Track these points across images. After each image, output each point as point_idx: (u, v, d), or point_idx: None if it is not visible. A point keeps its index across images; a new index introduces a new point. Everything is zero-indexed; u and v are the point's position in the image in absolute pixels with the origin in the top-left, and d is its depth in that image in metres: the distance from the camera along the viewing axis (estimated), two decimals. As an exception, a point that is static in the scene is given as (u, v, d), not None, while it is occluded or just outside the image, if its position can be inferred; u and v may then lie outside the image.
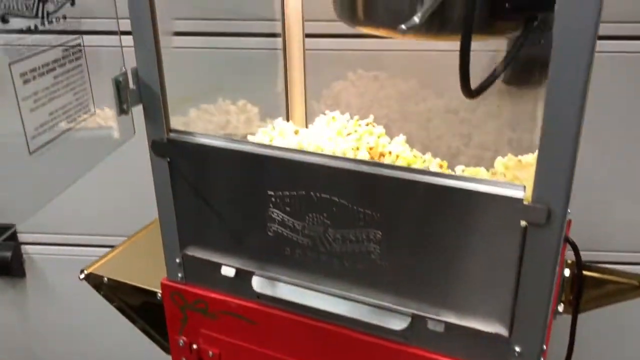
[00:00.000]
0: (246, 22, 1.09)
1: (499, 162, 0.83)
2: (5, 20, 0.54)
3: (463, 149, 1.01)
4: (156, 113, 0.67)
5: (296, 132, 0.89)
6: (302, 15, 0.96)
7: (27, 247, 1.50)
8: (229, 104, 1.01)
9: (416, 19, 0.56)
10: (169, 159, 0.69)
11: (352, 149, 0.88)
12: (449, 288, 0.60)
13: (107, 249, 0.99)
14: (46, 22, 0.58)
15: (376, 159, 0.90)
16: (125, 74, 0.65)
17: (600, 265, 0.90)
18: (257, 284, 0.70)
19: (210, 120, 0.98)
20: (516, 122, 0.98)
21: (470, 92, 0.59)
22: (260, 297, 0.71)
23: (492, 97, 1.02)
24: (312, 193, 0.62)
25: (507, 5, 0.56)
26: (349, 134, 0.91)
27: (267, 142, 0.89)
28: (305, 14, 0.97)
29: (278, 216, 0.65)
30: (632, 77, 1.14)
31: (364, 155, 0.87)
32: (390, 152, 0.89)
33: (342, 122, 0.94)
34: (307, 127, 1.00)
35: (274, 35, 1.00)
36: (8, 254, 1.46)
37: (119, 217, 1.36)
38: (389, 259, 0.62)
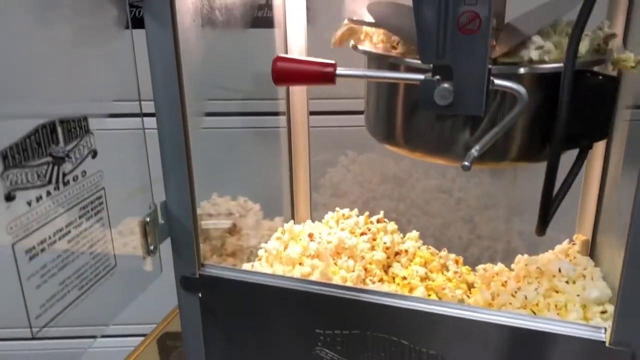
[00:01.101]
0: (244, 102, 1.04)
1: (520, 263, 0.82)
2: (11, 198, 0.46)
3: (473, 239, 1.00)
4: (187, 248, 0.61)
5: (311, 237, 0.86)
6: (306, 92, 0.93)
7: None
8: (228, 200, 0.96)
9: (475, 153, 0.54)
10: (200, 295, 0.63)
11: (367, 249, 0.85)
12: None
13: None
14: (61, 186, 0.51)
15: (392, 258, 0.87)
16: (154, 211, 0.59)
17: None
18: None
19: (207, 224, 0.92)
20: (520, 205, 0.98)
21: (543, 230, 0.58)
22: None
23: (486, 175, 1.02)
24: (367, 332, 0.59)
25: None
26: (362, 234, 0.88)
27: (281, 249, 0.85)
28: (309, 91, 0.93)
29: (327, 355, 0.61)
30: None
31: (381, 257, 0.84)
32: (406, 251, 0.87)
33: (354, 219, 0.91)
34: (312, 219, 0.97)
35: (276, 114, 0.97)
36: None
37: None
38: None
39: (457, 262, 0.88)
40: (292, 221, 0.89)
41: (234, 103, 0.98)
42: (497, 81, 0.52)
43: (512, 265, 0.85)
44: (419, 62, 0.53)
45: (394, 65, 0.59)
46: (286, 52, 0.90)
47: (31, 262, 0.49)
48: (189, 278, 0.63)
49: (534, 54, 0.54)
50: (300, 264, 0.82)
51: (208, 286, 0.63)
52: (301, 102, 0.91)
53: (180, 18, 0.54)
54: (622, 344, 0.50)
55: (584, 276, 0.73)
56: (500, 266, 0.85)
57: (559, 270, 0.73)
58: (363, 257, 0.83)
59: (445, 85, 0.53)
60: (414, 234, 0.90)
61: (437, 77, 0.53)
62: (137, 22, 0.55)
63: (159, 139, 0.58)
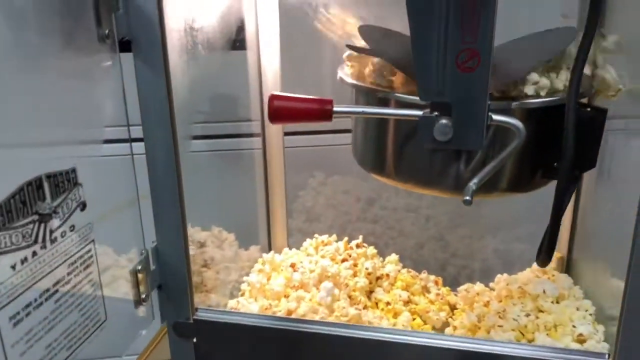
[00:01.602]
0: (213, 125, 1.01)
1: (501, 283, 0.83)
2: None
3: (449, 259, 1.01)
4: (181, 292, 0.59)
5: (293, 267, 0.84)
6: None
7: None
8: (199, 230, 0.94)
9: (473, 186, 0.55)
10: (195, 340, 0.61)
11: (350, 276, 0.85)
12: None
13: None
14: (48, 244, 0.48)
15: (374, 283, 0.87)
16: (146, 257, 0.57)
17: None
18: None
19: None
20: (495, 225, 1.00)
21: (549, 261, 0.59)
22: None
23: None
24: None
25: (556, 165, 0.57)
26: (344, 260, 0.87)
27: (264, 282, 0.83)
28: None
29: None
30: None
31: (364, 283, 0.84)
32: (387, 275, 0.87)
33: (334, 245, 0.90)
34: (289, 246, 0.95)
35: (250, 135, 0.94)
36: None
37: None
38: None
39: (436, 283, 0.89)
40: (272, 251, 0.88)
41: (203, 126, 0.95)
42: (495, 117, 0.53)
43: (492, 284, 0.87)
44: (415, 97, 0.54)
45: (388, 100, 0.59)
46: (259, 74, 0.88)
47: (15, 328, 0.45)
48: (182, 324, 0.60)
49: (529, 90, 0.55)
50: (285, 296, 0.80)
51: (203, 331, 0.60)
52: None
53: (171, 59, 0.52)
54: (625, 369, 0.52)
55: (566, 295, 0.75)
56: (480, 286, 0.87)
57: (544, 292, 0.74)
58: (347, 285, 0.83)
59: (445, 121, 0.53)
60: (394, 257, 0.90)
61: (436, 113, 0.53)
62: (123, 46, 0.52)
63: (150, 184, 0.55)
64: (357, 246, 0.91)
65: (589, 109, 0.56)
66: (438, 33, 0.50)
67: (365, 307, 0.83)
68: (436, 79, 0.52)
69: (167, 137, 0.53)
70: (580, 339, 0.66)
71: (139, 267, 0.56)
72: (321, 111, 0.54)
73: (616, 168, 0.69)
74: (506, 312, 0.76)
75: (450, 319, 0.83)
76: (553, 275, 0.82)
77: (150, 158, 0.54)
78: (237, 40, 0.87)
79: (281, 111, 0.54)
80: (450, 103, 0.52)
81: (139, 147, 0.56)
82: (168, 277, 0.59)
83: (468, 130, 0.53)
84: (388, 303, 0.83)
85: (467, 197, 0.54)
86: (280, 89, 0.86)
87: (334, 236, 0.93)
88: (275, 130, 0.89)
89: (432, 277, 0.89)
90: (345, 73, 0.66)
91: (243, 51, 0.87)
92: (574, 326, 0.67)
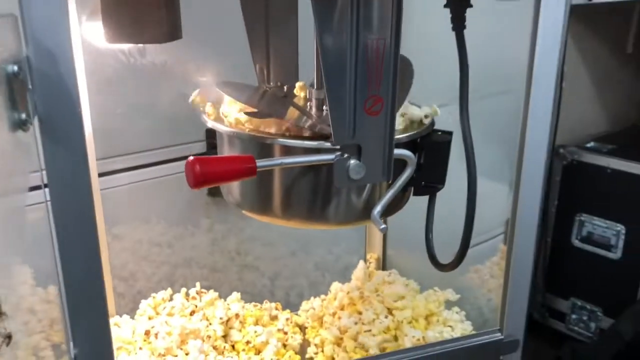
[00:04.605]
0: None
1: (339, 292, 0.91)
2: None
3: (274, 282, 1.04)
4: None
5: (148, 334, 0.77)
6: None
7: None
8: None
9: (377, 215, 0.61)
10: None
11: (205, 327, 0.82)
12: None
13: None
14: None
15: (226, 326, 0.86)
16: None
17: None
18: None
19: None
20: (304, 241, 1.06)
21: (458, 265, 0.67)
22: None
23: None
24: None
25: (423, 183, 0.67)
26: (192, 313, 0.84)
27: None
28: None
29: None
30: None
31: (221, 330, 0.82)
32: (237, 315, 0.87)
33: (176, 301, 0.85)
34: (117, 313, 0.86)
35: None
36: None
37: None
38: None
39: (277, 308, 0.92)
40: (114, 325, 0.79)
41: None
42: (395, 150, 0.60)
43: (324, 297, 0.94)
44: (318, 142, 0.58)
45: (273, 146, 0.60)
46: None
47: None
48: None
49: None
50: (158, 368, 0.74)
51: None
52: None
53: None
54: (512, 335, 0.65)
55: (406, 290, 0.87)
56: (318, 301, 0.93)
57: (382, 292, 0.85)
58: (209, 337, 0.80)
59: (356, 161, 0.58)
60: (235, 295, 0.90)
61: (346, 155, 0.58)
62: None
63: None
64: (197, 293, 0.88)
65: (439, 133, 0.67)
66: (349, 86, 0.55)
67: (230, 352, 0.82)
68: (348, 124, 0.56)
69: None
70: (450, 325, 0.78)
71: None
72: (248, 169, 0.53)
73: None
74: (362, 318, 0.84)
75: (308, 339, 0.87)
76: (390, 275, 0.93)
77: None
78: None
79: (207, 176, 0.51)
80: (359, 145, 0.57)
81: None
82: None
83: (376, 166, 0.59)
84: (248, 342, 0.83)
85: (384, 226, 0.60)
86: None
87: (169, 290, 0.88)
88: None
89: (273, 305, 0.92)
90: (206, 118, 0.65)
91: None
92: (431, 313, 0.80)
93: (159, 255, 0.97)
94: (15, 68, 0.38)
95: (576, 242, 1.65)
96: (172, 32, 0.66)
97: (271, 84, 0.73)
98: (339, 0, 0.52)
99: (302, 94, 0.71)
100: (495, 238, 1.04)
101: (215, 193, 1.05)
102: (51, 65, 0.40)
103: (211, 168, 0.51)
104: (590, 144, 1.75)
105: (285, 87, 0.73)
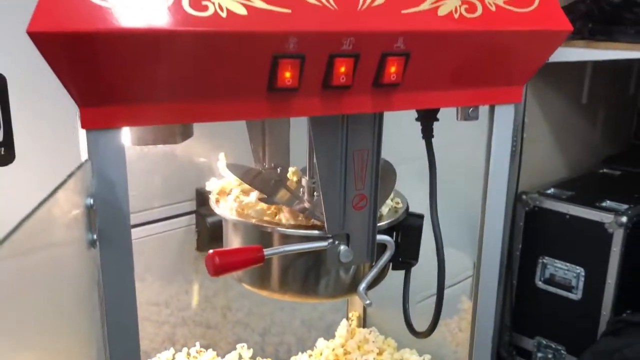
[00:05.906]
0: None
1: (325, 348, 1.01)
2: None
3: (263, 337, 1.12)
4: None
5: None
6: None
7: None
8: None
9: (363, 291, 0.72)
10: None
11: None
12: None
13: None
14: None
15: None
16: None
17: None
18: None
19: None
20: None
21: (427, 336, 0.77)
22: None
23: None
24: None
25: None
26: (194, 371, 0.93)
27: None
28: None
29: None
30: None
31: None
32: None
33: (179, 360, 0.94)
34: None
35: None
36: None
37: None
38: None
39: (269, 364, 1.02)
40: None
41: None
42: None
43: (313, 352, 1.03)
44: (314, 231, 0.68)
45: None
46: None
47: None
48: None
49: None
50: None
51: None
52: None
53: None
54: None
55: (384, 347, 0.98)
56: (305, 356, 1.03)
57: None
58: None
59: (346, 247, 0.69)
60: (234, 355, 0.99)
61: (337, 241, 0.69)
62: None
63: None
64: (198, 353, 0.96)
65: (414, 216, 0.79)
66: (339, 187, 0.66)
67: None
68: (338, 217, 0.67)
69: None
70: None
71: None
72: (257, 257, 0.63)
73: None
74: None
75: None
76: (370, 332, 1.03)
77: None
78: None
79: (224, 266, 0.61)
80: (348, 234, 0.68)
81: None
82: None
83: (362, 251, 0.70)
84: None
85: (368, 301, 0.71)
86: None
87: (172, 350, 0.96)
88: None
89: (267, 360, 1.01)
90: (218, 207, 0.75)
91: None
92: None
93: (159, 315, 1.05)
94: (91, 201, 0.48)
95: (540, 284, 1.75)
96: (184, 132, 0.77)
97: (265, 165, 0.84)
98: (330, 121, 0.63)
99: (294, 179, 0.82)
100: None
101: (202, 248, 1.14)
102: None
103: (227, 259, 0.62)
104: (551, 190, 1.86)
105: (278, 169, 0.83)
